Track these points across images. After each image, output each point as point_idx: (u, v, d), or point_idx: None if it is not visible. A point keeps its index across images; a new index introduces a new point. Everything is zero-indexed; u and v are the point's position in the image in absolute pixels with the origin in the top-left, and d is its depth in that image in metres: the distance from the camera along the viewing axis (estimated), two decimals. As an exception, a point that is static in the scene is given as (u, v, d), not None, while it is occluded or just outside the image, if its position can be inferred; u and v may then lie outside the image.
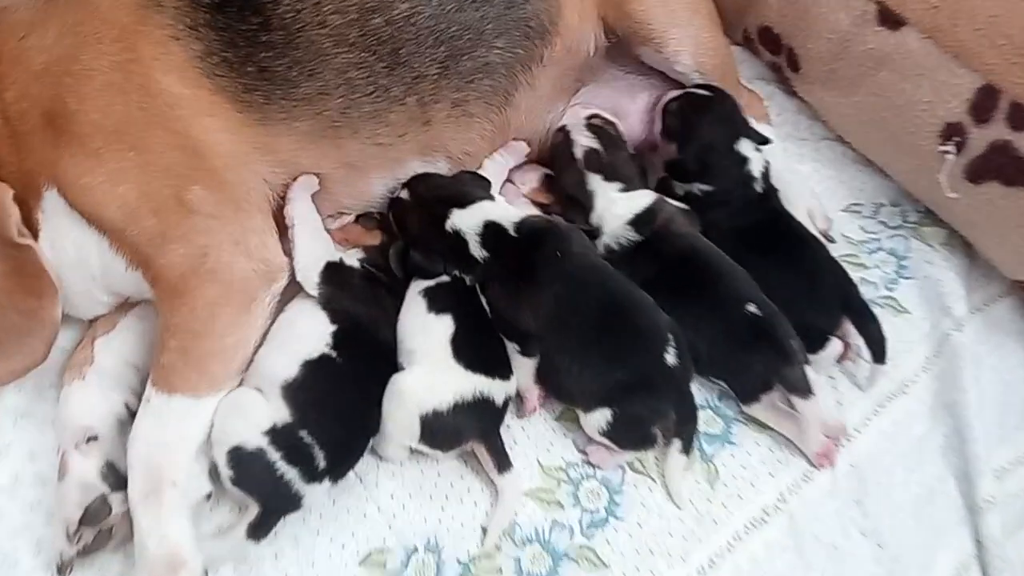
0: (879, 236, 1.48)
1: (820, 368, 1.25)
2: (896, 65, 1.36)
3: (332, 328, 1.11)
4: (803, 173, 1.51)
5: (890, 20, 1.35)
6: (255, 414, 1.05)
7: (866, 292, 1.32)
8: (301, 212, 1.17)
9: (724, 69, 1.41)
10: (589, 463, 1.20)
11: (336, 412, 1.07)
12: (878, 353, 1.24)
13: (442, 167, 1.30)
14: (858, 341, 1.26)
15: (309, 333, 1.10)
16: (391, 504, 1.15)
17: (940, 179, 1.33)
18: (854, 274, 1.32)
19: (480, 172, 1.31)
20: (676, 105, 1.36)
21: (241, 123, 1.10)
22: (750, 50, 1.67)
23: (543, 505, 1.16)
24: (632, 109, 1.42)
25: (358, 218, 1.26)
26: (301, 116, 1.15)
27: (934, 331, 1.36)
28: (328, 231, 1.22)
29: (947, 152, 1.31)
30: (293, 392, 1.06)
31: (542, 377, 1.21)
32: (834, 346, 1.26)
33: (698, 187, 1.35)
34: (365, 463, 1.15)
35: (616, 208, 1.28)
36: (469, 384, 1.12)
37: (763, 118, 1.51)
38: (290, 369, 1.08)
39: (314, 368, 1.08)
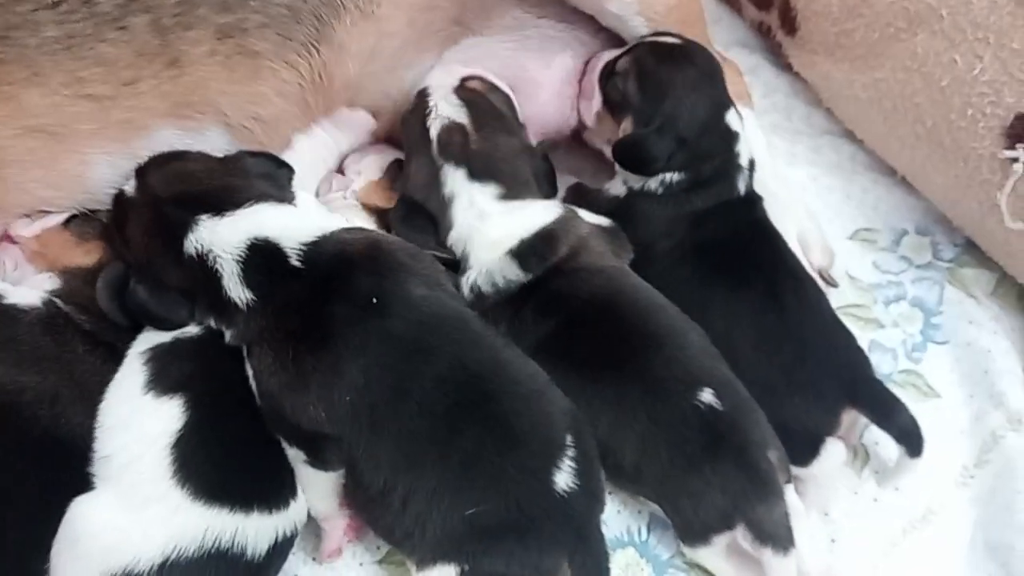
0: (900, 279, 1.20)
1: (809, 488, 0.97)
2: (943, 25, 1.10)
3: None
4: (795, 181, 1.25)
5: (938, -45, 1.11)
6: None
7: (879, 364, 1.08)
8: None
9: (684, 15, 1.11)
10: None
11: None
12: (913, 446, 0.97)
13: (216, 141, 0.97)
14: (869, 438, 1.02)
15: None
16: None
17: (999, 200, 1.08)
18: (862, 336, 1.06)
19: (284, 155, 0.98)
20: (629, 60, 1.07)
21: None
22: (728, 3, 1.45)
23: None
24: (544, 78, 1.11)
25: (70, 220, 0.93)
26: None
27: (977, 427, 1.09)
28: (14, 238, 0.91)
29: (1014, 160, 1.05)
30: None
31: (350, 498, 0.87)
32: (832, 453, 0.96)
33: (665, 178, 1.03)
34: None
35: (490, 228, 0.94)
36: (196, 525, 0.79)
37: (742, 98, 1.20)
38: None
39: None
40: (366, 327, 0.82)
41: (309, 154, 1.00)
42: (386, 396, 0.81)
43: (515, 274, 0.92)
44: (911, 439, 0.96)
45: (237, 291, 0.84)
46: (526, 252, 0.93)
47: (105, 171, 0.93)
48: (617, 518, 0.96)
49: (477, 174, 0.95)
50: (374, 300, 0.82)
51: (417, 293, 0.85)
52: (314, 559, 0.91)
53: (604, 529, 0.91)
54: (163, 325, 0.85)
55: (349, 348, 0.81)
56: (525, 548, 0.81)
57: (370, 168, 1.04)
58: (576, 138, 1.15)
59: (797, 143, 1.30)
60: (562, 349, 0.91)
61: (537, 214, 0.95)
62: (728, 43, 1.37)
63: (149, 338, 0.86)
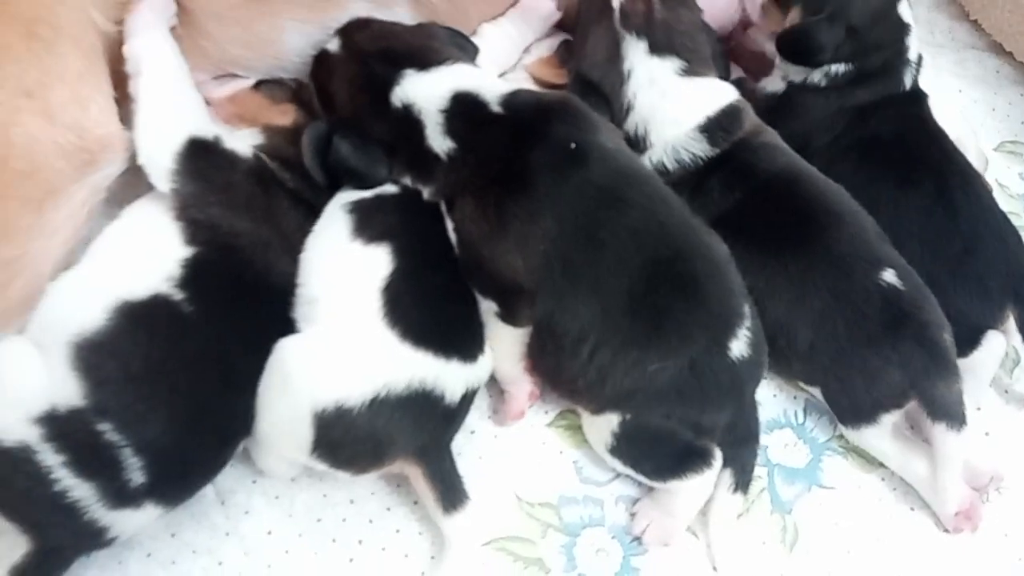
0: (1049, 190, 1.16)
1: (965, 380, 0.96)
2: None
3: (186, 252, 0.82)
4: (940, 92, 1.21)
5: None
6: (22, 387, 0.76)
7: (1028, 272, 1.05)
8: (149, 51, 0.85)
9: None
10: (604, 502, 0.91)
11: (171, 395, 0.79)
12: None
13: (402, 16, 0.97)
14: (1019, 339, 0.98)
15: (142, 257, 0.82)
16: (267, 546, 0.90)
17: None
18: (1011, 243, 1.05)
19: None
20: None
21: None
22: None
23: (517, 565, 0.89)
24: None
25: (259, 84, 0.96)
26: None
27: None
28: (207, 100, 0.93)
29: None
30: (92, 356, 0.78)
31: (536, 360, 0.89)
32: (992, 344, 0.95)
33: (830, 70, 1.00)
34: (232, 477, 0.90)
35: (672, 105, 0.93)
36: (405, 365, 0.82)
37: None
38: (92, 316, 0.78)
39: (137, 317, 0.79)
40: (565, 173, 0.82)
41: (494, 42, 0.99)
42: (581, 245, 0.82)
43: (702, 149, 0.91)
44: None
45: (439, 142, 0.85)
46: (713, 127, 0.91)
47: (295, 39, 0.94)
48: (773, 401, 0.97)
49: (659, 47, 0.93)
50: (573, 146, 0.82)
51: (607, 144, 0.85)
52: (490, 417, 0.94)
53: (760, 411, 0.93)
54: (362, 182, 0.87)
55: (548, 195, 0.82)
56: (687, 406, 0.83)
57: (541, 46, 1.03)
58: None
59: (940, 56, 1.26)
60: (744, 224, 0.91)
61: (721, 91, 0.94)
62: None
63: (347, 195, 0.87)
